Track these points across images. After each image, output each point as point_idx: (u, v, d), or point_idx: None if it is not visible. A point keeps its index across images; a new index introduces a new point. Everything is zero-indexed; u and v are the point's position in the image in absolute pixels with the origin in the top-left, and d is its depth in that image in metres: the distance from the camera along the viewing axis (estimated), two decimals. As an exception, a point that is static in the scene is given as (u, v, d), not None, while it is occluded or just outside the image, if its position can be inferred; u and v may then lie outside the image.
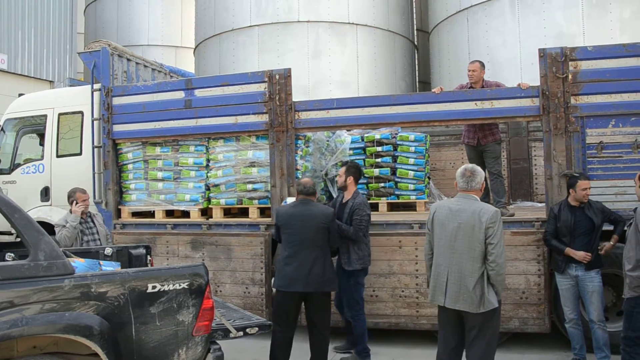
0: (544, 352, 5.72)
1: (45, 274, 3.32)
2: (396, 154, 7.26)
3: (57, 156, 7.70)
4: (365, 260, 5.47)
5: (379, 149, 7.31)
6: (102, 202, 7.09)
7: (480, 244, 3.91)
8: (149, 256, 5.34)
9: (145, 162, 7.09)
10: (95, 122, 7.27)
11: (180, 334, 3.70)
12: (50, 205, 7.64)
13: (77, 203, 5.89)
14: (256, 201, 6.54)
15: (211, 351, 3.91)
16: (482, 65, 6.65)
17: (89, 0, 18.73)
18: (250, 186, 6.55)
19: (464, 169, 4.22)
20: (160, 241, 6.72)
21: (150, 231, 6.84)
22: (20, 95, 8.74)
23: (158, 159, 7.02)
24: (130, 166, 7.17)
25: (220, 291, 6.47)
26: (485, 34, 10.63)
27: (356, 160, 7.37)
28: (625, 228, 4.81)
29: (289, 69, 6.41)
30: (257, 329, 4.34)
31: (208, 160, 6.83)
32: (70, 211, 5.91)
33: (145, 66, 8.22)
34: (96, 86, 7.27)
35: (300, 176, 6.55)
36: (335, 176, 7.39)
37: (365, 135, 7.44)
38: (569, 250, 5.13)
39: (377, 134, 7.38)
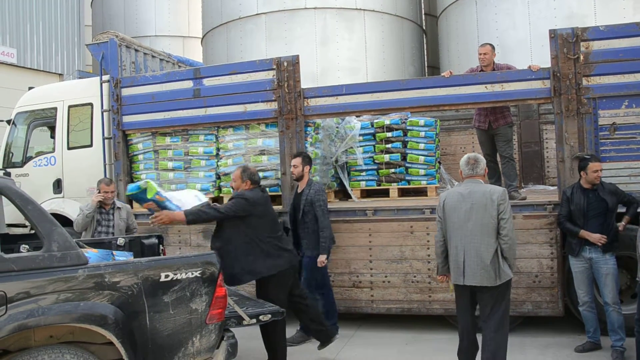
0: (557, 336, 5.71)
1: (59, 265, 3.35)
2: (406, 139, 7.22)
3: (68, 148, 7.74)
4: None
5: (389, 134, 7.27)
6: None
7: (494, 220, 4.23)
8: (161, 246, 5.38)
9: (156, 152, 7.12)
10: (104, 113, 7.30)
11: (194, 322, 3.73)
12: (63, 197, 7.70)
13: (99, 192, 5.94)
14: (267, 189, 6.53)
15: (225, 339, 3.94)
16: (493, 47, 6.58)
17: (95, -8, 18.75)
18: (260, 174, 6.53)
19: (468, 158, 4.54)
20: (172, 230, 6.75)
21: (162, 221, 6.87)
22: (30, 88, 8.77)
23: (168, 149, 7.04)
24: (140, 157, 7.20)
25: (233, 279, 6.50)
26: (494, 17, 10.49)
27: (366, 146, 7.36)
28: (639, 210, 4.76)
29: (297, 56, 6.38)
30: (270, 316, 4.37)
31: (218, 149, 6.85)
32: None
33: (153, 56, 8.22)
34: (105, 78, 7.29)
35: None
36: (346, 162, 7.40)
37: (375, 121, 7.40)
38: (584, 233, 5.08)
39: (386, 120, 7.33)
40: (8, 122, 8.39)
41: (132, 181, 7.24)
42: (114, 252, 4.59)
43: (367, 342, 5.83)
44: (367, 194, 7.42)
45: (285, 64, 6.33)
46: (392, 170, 7.26)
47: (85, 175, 7.24)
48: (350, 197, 7.33)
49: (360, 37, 11.59)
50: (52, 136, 7.99)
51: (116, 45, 7.27)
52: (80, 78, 9.29)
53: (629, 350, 4.90)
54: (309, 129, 6.60)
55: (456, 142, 8.80)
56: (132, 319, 3.49)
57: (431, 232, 5.85)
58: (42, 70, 14.92)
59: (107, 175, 7.20)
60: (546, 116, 8.22)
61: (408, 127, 7.23)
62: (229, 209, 4.74)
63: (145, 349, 3.54)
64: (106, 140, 7.29)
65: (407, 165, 7.21)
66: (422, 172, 7.16)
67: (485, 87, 5.80)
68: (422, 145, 7.17)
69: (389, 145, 7.27)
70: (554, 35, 5.58)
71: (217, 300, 3.82)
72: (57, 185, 7.75)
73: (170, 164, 7.01)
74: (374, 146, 7.35)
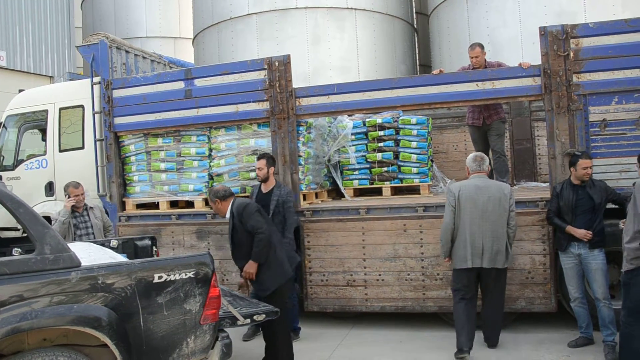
0: (550, 332, 5.74)
1: (52, 267, 3.34)
2: (398, 138, 7.24)
3: (60, 151, 7.72)
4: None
5: (381, 133, 7.28)
6: (106, 195, 7.11)
7: (506, 212, 5.04)
8: (154, 247, 5.38)
9: (148, 154, 7.10)
10: (96, 115, 7.27)
11: (188, 323, 3.73)
12: (55, 200, 7.67)
13: (69, 197, 5.90)
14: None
15: (219, 339, 3.94)
16: (482, 47, 6.62)
17: (85, -6, 18.64)
18: (253, 174, 6.54)
19: (475, 155, 5.32)
20: (166, 232, 6.74)
21: (155, 222, 6.87)
22: (20, 91, 8.73)
23: (160, 150, 7.02)
24: (132, 158, 7.18)
25: (227, 280, 6.50)
26: (485, 15, 10.52)
27: (358, 145, 7.37)
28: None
29: (289, 56, 6.38)
30: (264, 316, 4.37)
31: (210, 149, 6.83)
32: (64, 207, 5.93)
33: (144, 58, 8.20)
34: (96, 79, 7.26)
35: (302, 163, 6.55)
36: (339, 161, 7.41)
37: (367, 119, 7.41)
38: (570, 228, 5.14)
39: (378, 118, 7.34)
40: (-1, 125, 8.35)
41: (124, 183, 7.23)
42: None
43: (361, 340, 5.84)
44: (360, 192, 7.43)
45: (277, 63, 6.33)
46: (385, 168, 7.27)
47: (78, 177, 7.17)
48: (343, 196, 7.35)
49: (351, 36, 11.60)
50: (44, 139, 7.95)
51: (106, 46, 7.24)
52: (71, 80, 9.23)
53: (621, 345, 4.94)
54: (301, 128, 6.60)
55: (448, 140, 8.83)
56: (126, 321, 3.48)
57: (424, 230, 5.88)
58: (33, 73, 14.83)
59: (100, 177, 7.18)
60: (537, 113, 8.25)
61: (400, 126, 7.24)
62: (260, 223, 4.81)
63: (140, 351, 3.54)
64: (98, 142, 7.26)
65: (399, 163, 7.22)
66: (414, 170, 7.18)
67: (477, 84, 5.82)
68: (414, 144, 7.18)
69: (381, 144, 7.28)
70: (544, 32, 5.61)
71: (211, 301, 3.82)
72: (49, 188, 7.72)
73: (162, 165, 6.99)
74: (366, 145, 7.36)
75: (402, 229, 5.96)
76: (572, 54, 5.51)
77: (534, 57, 5.97)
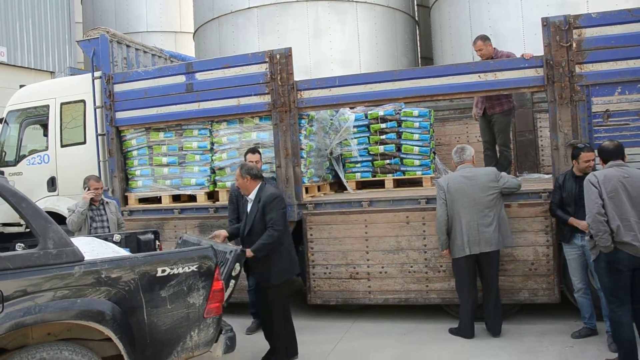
0: (554, 322, 5.74)
1: (55, 262, 3.34)
2: (400, 130, 7.22)
3: (62, 146, 7.71)
4: None
5: (383, 125, 7.26)
6: (108, 190, 7.11)
7: (494, 195, 5.29)
8: (157, 241, 5.37)
9: (150, 148, 7.09)
10: (97, 110, 7.27)
11: (192, 317, 3.74)
12: (58, 195, 7.67)
13: (89, 189, 5.93)
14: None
15: (223, 332, 3.95)
16: (484, 38, 6.59)
17: (86, -11, 18.59)
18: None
19: (455, 148, 5.63)
20: (168, 226, 6.75)
21: (157, 217, 6.87)
22: (21, 86, 8.72)
23: (162, 145, 7.01)
24: (134, 153, 7.17)
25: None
26: (487, 6, 10.47)
27: (360, 138, 7.35)
28: None
29: (290, 49, 6.35)
30: (238, 266, 4.40)
31: (212, 143, 6.82)
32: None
33: (145, 52, 8.17)
34: (97, 74, 7.25)
35: (305, 156, 6.53)
36: (341, 154, 7.40)
37: (369, 112, 7.39)
38: (573, 220, 5.13)
39: (380, 111, 7.32)
40: (0, 120, 8.34)
41: (126, 177, 7.23)
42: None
43: (365, 333, 5.85)
44: (362, 185, 7.42)
45: (278, 56, 6.31)
46: (387, 161, 7.26)
47: (79, 172, 7.19)
48: (346, 189, 7.34)
49: (352, 29, 11.55)
50: (45, 134, 7.95)
51: (107, 41, 7.22)
52: (71, 75, 9.21)
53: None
54: (302, 121, 6.59)
55: (450, 132, 8.80)
56: (129, 315, 3.49)
57: (427, 222, 5.87)
58: (33, 69, 14.81)
59: (102, 172, 7.18)
60: (540, 105, 8.22)
61: (402, 118, 7.22)
62: (280, 220, 4.74)
63: (144, 344, 3.55)
64: (99, 137, 7.26)
65: (401, 156, 7.21)
66: (416, 162, 7.16)
67: (479, 76, 5.79)
68: (416, 136, 7.17)
69: (383, 137, 7.26)
70: (546, 23, 5.58)
71: (214, 294, 3.83)
72: (52, 183, 7.72)
73: (164, 160, 6.99)
74: (369, 137, 7.35)
75: (405, 221, 5.96)
76: (574, 45, 5.47)
77: (536, 48, 5.94)
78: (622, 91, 5.42)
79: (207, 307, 3.80)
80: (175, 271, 3.69)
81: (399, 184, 7.35)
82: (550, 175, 6.10)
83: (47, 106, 7.85)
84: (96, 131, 7.28)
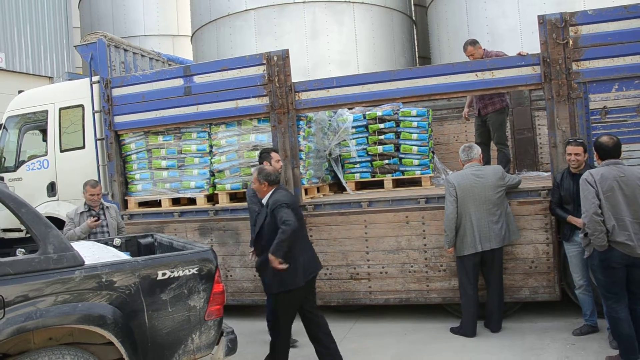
0: (555, 320, 5.75)
1: (55, 267, 3.35)
2: (399, 130, 7.22)
3: (61, 151, 7.73)
4: None
5: (382, 125, 7.27)
6: (108, 194, 7.12)
7: (501, 192, 5.40)
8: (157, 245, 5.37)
9: (149, 152, 7.10)
10: (96, 114, 7.28)
11: (193, 319, 3.74)
12: (57, 200, 7.68)
13: (86, 195, 5.90)
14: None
15: (224, 335, 3.96)
16: (474, 43, 6.63)
17: (83, -6, 18.60)
18: (254, 170, 6.54)
19: (463, 147, 5.68)
20: (168, 229, 6.75)
21: (157, 220, 6.88)
22: (20, 92, 8.73)
23: (161, 148, 7.03)
24: (134, 156, 7.18)
25: (231, 276, 6.52)
26: (483, 5, 10.48)
27: (359, 138, 7.36)
28: None
29: (287, 50, 6.36)
30: None
31: (211, 146, 6.83)
32: (85, 203, 5.93)
33: (142, 55, 8.19)
34: (95, 78, 7.27)
35: (303, 157, 6.54)
36: (340, 155, 7.41)
37: (367, 112, 7.39)
38: (571, 218, 5.15)
39: (378, 111, 7.33)
40: (-1, 126, 8.36)
41: (126, 181, 7.23)
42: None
43: (366, 333, 5.86)
44: (361, 185, 7.43)
45: (275, 58, 6.32)
46: (386, 161, 7.26)
47: (79, 177, 7.20)
48: (345, 190, 7.34)
49: (350, 29, 11.56)
50: (44, 139, 7.96)
51: (105, 45, 7.24)
52: (70, 80, 9.23)
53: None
54: (301, 122, 6.59)
55: (449, 132, 8.81)
56: (131, 318, 3.50)
57: (427, 222, 5.88)
58: (32, 74, 14.83)
59: (101, 176, 7.18)
60: (538, 103, 8.23)
61: (400, 118, 7.23)
62: (289, 216, 4.49)
63: (145, 348, 3.56)
64: (98, 142, 7.27)
65: (400, 156, 7.22)
66: (415, 162, 7.17)
67: (476, 75, 5.80)
68: (414, 136, 7.17)
69: (381, 137, 7.27)
70: (542, 20, 5.59)
71: (215, 297, 3.84)
72: (51, 188, 7.73)
73: (163, 163, 7.00)
74: (367, 138, 7.35)
75: (405, 221, 5.97)
76: (571, 42, 5.48)
77: (533, 46, 5.94)
78: (620, 88, 5.43)
79: (208, 309, 3.80)
80: (176, 274, 3.69)
81: (398, 184, 7.36)
82: (549, 173, 6.10)
83: (46, 111, 7.87)
84: (95, 135, 7.29)
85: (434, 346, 5.31)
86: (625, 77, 5.39)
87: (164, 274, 3.65)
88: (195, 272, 3.77)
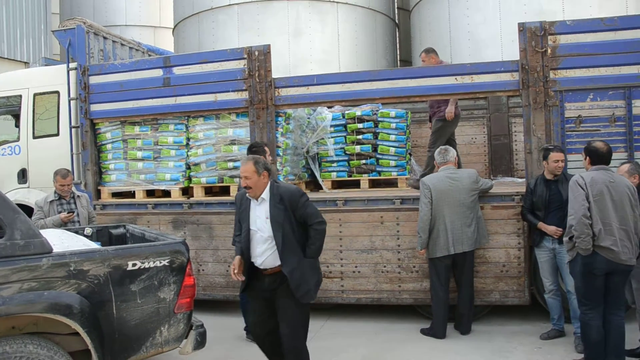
0: (523, 324, 5.82)
1: (22, 253, 3.28)
2: (377, 131, 7.24)
3: (34, 137, 7.56)
4: None
5: (360, 125, 7.28)
6: (81, 183, 7.00)
7: (474, 196, 5.47)
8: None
9: (125, 142, 7.00)
10: (72, 101, 7.16)
11: (162, 312, 3.70)
12: (28, 187, 7.53)
13: (54, 182, 5.81)
14: (237, 179, 6.48)
15: (194, 328, 3.91)
16: (427, 50, 6.75)
17: (63, -20, 18.27)
18: (231, 164, 6.51)
19: (439, 150, 5.74)
20: (142, 221, 6.65)
21: (131, 211, 6.78)
22: (-7, 75, 8.53)
23: (137, 139, 6.93)
24: (109, 146, 7.07)
25: (203, 270, 6.46)
26: (466, 12, 10.59)
27: (337, 137, 7.36)
28: None
29: (269, 45, 6.34)
30: None
31: (188, 138, 6.77)
32: (55, 192, 5.87)
33: (122, 44, 8.07)
34: (72, 65, 7.14)
35: (281, 154, 6.52)
36: (317, 153, 7.40)
37: (346, 112, 7.40)
38: (541, 225, 5.24)
39: (358, 111, 7.34)
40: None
41: (100, 171, 7.12)
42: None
43: (337, 331, 5.86)
44: (338, 185, 7.43)
45: (257, 53, 6.29)
46: (363, 161, 7.28)
47: (52, 165, 7.04)
48: (321, 188, 7.34)
49: (333, 29, 11.57)
50: (17, 125, 7.78)
51: (84, 31, 7.11)
52: (46, 65, 9.05)
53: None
54: (279, 119, 6.57)
55: (427, 134, 8.76)
56: (98, 309, 3.44)
57: (401, 223, 5.91)
58: (7, 58, 14.47)
59: (75, 165, 7.06)
60: (515, 109, 8.34)
61: (379, 119, 7.25)
62: (317, 211, 4.05)
63: (112, 339, 3.50)
64: (73, 129, 7.14)
65: (377, 156, 7.24)
66: (392, 163, 7.20)
67: (455, 78, 5.85)
68: (392, 137, 7.20)
69: (360, 137, 7.28)
70: (522, 28, 5.66)
71: (185, 290, 3.80)
72: (22, 175, 7.57)
73: (139, 154, 6.90)
74: (345, 137, 7.36)
75: (379, 221, 5.98)
76: (549, 51, 5.57)
77: (514, 55, 6.03)
78: (594, 98, 5.54)
79: (178, 302, 3.76)
80: (147, 265, 3.65)
81: (374, 184, 7.38)
82: (524, 179, 6.18)
83: (20, 96, 7.69)
84: (70, 123, 7.16)
85: (404, 346, 5.33)
86: (600, 88, 5.51)
87: (134, 265, 3.60)
88: (167, 264, 3.72)
